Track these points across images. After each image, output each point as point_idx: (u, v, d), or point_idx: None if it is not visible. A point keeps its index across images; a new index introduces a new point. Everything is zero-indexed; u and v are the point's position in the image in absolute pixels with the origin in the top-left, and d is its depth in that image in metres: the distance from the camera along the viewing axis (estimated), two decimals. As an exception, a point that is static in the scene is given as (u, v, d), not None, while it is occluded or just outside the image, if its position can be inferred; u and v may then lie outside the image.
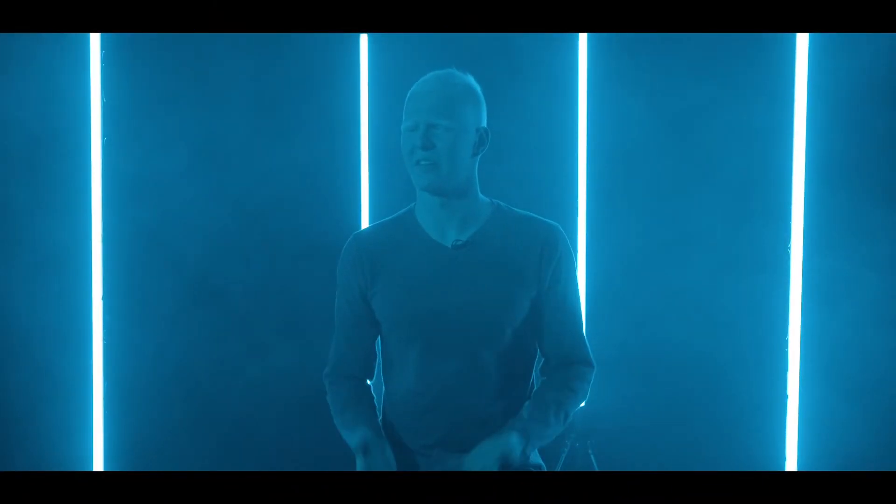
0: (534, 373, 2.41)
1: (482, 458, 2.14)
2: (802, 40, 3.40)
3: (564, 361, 2.37)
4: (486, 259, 2.30)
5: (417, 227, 2.34)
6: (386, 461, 2.19)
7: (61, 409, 3.45)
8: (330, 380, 2.43)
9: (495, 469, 2.12)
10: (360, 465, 2.18)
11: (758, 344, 3.47)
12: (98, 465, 3.48)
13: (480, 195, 2.36)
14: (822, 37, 3.37)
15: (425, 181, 2.25)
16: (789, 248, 3.43)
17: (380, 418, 2.41)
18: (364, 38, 3.54)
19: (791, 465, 3.47)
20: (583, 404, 2.42)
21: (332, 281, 2.42)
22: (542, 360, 2.41)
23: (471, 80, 2.32)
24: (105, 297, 3.45)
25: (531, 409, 2.26)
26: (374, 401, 2.38)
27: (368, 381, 2.42)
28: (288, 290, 3.52)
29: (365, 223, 3.55)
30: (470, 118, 2.26)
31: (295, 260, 3.52)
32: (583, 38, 3.53)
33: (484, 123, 2.32)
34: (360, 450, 2.18)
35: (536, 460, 2.34)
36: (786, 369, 3.46)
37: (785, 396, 3.46)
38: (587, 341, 2.42)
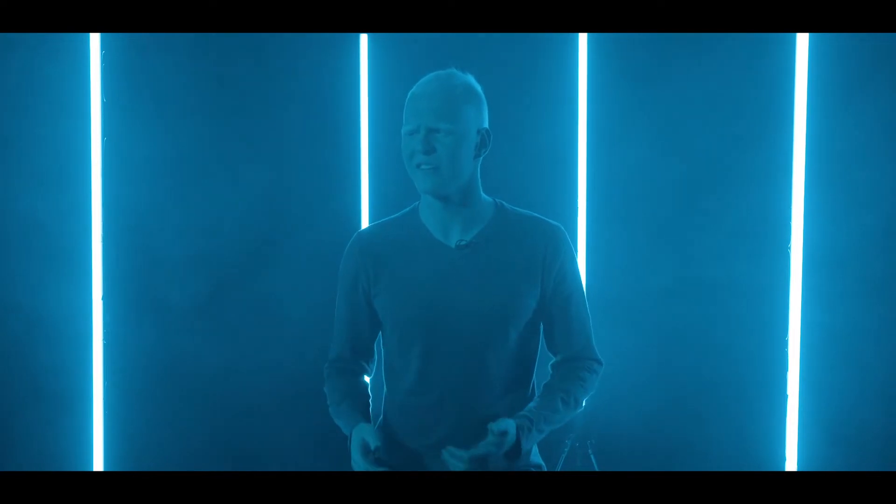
0: (535, 373, 2.41)
1: (485, 444, 2.10)
2: (802, 40, 3.40)
3: (574, 357, 2.38)
4: (490, 259, 2.29)
5: (421, 227, 2.34)
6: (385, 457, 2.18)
7: (61, 409, 3.45)
8: (328, 373, 2.43)
9: (493, 450, 2.09)
10: (357, 461, 2.15)
11: (758, 344, 3.48)
12: (98, 465, 3.48)
13: (483, 195, 2.36)
14: (822, 37, 3.37)
15: (427, 185, 2.24)
16: (789, 247, 3.43)
17: (380, 419, 2.41)
18: (364, 38, 3.54)
19: (791, 465, 3.47)
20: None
21: (333, 281, 2.41)
22: (553, 358, 2.42)
23: (471, 80, 2.29)
24: (105, 297, 3.45)
25: (539, 398, 2.28)
26: (370, 397, 2.38)
27: (366, 378, 2.43)
28: (288, 290, 3.52)
29: (365, 223, 3.55)
30: (471, 120, 2.24)
31: (295, 260, 3.52)
32: (583, 38, 3.53)
33: (485, 124, 2.31)
34: (358, 447, 2.15)
35: (537, 460, 2.35)
36: (786, 369, 3.46)
37: (785, 396, 3.46)
38: (594, 341, 2.43)
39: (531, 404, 2.26)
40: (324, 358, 2.45)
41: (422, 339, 2.29)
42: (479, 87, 2.30)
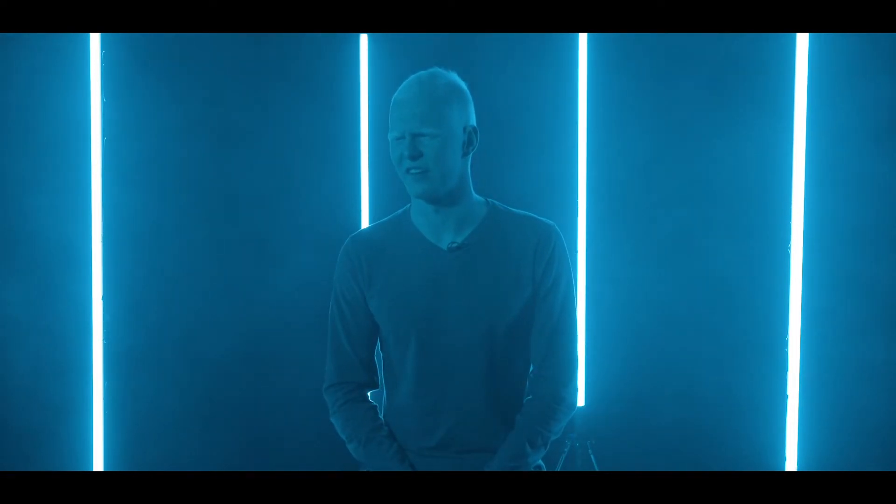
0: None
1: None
2: (802, 40, 3.40)
3: (546, 393, 2.28)
4: (482, 261, 2.28)
5: (413, 230, 2.32)
6: None
7: (61, 409, 3.44)
8: (335, 396, 2.36)
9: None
10: None
11: (758, 344, 3.47)
12: (98, 465, 3.48)
13: (475, 195, 2.34)
14: (822, 37, 3.37)
15: (418, 189, 2.23)
16: (789, 248, 3.43)
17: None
18: (364, 38, 3.54)
19: (791, 465, 3.47)
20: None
21: (332, 280, 2.40)
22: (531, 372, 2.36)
23: (454, 78, 2.27)
24: (105, 297, 3.45)
25: (512, 437, 2.25)
26: (382, 419, 2.35)
27: (370, 393, 2.38)
28: (287, 290, 3.52)
29: (365, 223, 3.55)
30: (456, 119, 2.22)
31: (294, 260, 3.52)
32: (583, 38, 3.52)
33: (472, 121, 2.28)
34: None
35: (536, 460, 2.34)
36: (786, 369, 3.45)
37: (785, 396, 3.46)
38: (576, 372, 2.32)
39: (513, 440, 2.23)
40: (322, 356, 2.42)
41: (417, 343, 2.27)
42: (463, 85, 2.27)
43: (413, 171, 2.20)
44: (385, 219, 2.40)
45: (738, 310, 3.47)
